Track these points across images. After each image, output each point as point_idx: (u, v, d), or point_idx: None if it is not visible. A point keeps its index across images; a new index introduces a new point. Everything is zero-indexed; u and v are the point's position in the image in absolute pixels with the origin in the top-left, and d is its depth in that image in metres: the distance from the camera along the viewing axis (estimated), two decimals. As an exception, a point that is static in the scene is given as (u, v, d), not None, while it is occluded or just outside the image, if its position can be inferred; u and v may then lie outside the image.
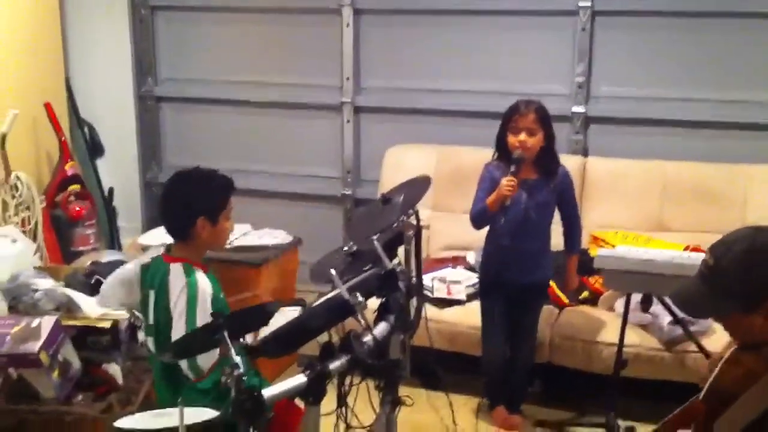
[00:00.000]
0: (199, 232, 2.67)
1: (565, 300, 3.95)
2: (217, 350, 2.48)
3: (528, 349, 3.67)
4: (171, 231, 2.76)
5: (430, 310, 3.60)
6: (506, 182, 3.35)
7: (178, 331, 2.55)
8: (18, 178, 4.51)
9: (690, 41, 4.36)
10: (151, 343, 2.73)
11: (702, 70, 4.38)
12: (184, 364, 2.52)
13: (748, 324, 2.02)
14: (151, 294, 2.69)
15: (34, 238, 4.52)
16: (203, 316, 2.53)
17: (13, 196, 4.49)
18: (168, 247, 2.78)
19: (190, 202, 2.70)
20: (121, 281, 2.94)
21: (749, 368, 2.07)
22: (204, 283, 2.64)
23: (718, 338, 3.47)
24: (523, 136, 3.41)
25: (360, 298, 2.19)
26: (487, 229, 3.60)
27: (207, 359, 2.51)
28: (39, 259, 4.27)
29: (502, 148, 3.51)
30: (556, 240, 3.65)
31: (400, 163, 4.64)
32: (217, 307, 2.60)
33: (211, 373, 2.54)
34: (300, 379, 2.02)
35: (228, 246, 4.01)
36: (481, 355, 3.74)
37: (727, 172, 4.21)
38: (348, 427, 2.26)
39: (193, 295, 2.58)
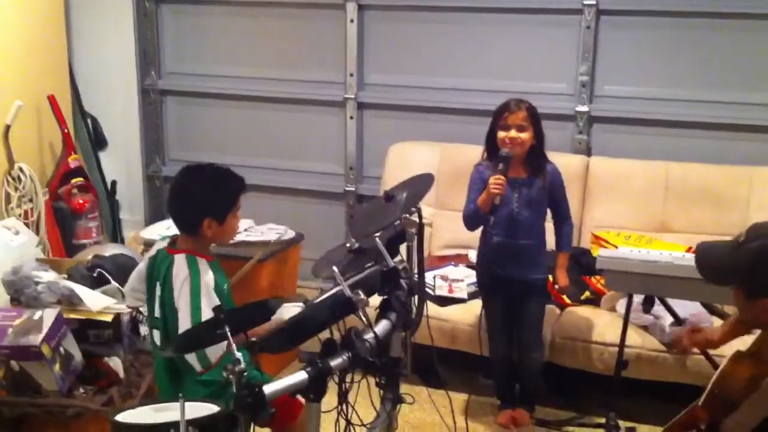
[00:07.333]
0: (205, 230, 2.66)
1: (567, 300, 3.95)
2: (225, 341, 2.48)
3: (535, 349, 3.63)
4: (177, 224, 2.76)
5: (431, 308, 3.60)
6: (494, 181, 3.33)
7: (184, 322, 2.54)
8: (21, 169, 4.52)
9: (695, 41, 4.35)
10: (156, 336, 2.71)
11: (707, 71, 4.36)
12: (191, 355, 2.50)
13: (744, 306, 2.13)
14: (157, 286, 2.68)
15: (37, 231, 4.52)
16: (208, 304, 2.52)
17: (16, 188, 4.49)
18: (173, 239, 2.76)
19: (200, 202, 2.68)
20: (139, 277, 2.92)
21: (751, 373, 2.10)
22: (206, 272, 2.63)
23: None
24: (513, 133, 3.41)
25: (362, 296, 2.19)
26: (481, 229, 3.60)
27: (215, 349, 2.47)
28: (41, 251, 4.28)
29: (491, 146, 3.51)
30: (551, 238, 3.65)
31: (403, 160, 4.63)
32: (222, 300, 2.58)
33: (218, 365, 2.52)
34: (301, 375, 2.02)
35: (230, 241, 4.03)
36: (489, 356, 3.73)
37: (730, 174, 4.19)
38: (348, 424, 2.27)
39: (196, 284, 2.58)
